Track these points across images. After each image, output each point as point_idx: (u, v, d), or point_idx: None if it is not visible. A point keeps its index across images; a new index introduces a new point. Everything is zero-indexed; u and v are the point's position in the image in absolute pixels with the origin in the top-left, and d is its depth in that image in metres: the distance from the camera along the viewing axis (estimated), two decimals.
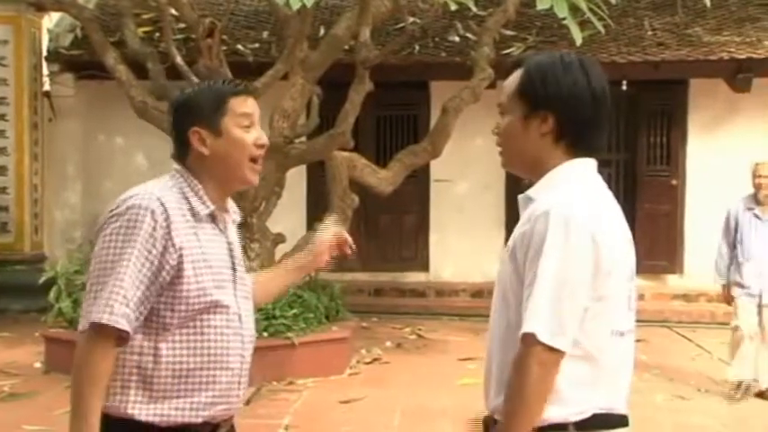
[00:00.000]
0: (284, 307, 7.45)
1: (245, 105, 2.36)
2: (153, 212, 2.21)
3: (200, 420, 2.27)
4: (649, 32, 11.20)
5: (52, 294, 7.68)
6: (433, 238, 11.68)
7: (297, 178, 10.12)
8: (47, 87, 11.15)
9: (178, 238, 2.22)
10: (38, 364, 7.57)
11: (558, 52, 2.21)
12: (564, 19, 6.88)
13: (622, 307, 2.07)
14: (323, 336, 7.57)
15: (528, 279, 1.99)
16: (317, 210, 10.07)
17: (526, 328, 1.95)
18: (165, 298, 2.23)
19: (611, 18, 9.14)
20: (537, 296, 1.95)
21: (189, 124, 2.33)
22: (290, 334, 7.22)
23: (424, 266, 11.68)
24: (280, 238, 8.50)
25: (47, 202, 10.96)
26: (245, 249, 7.97)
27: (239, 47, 10.61)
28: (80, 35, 10.51)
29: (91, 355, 2.18)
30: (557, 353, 1.94)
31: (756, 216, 6.81)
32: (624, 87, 10.59)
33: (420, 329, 9.71)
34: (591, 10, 7.36)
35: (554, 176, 2.11)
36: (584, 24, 7.71)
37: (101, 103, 10.93)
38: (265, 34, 11.12)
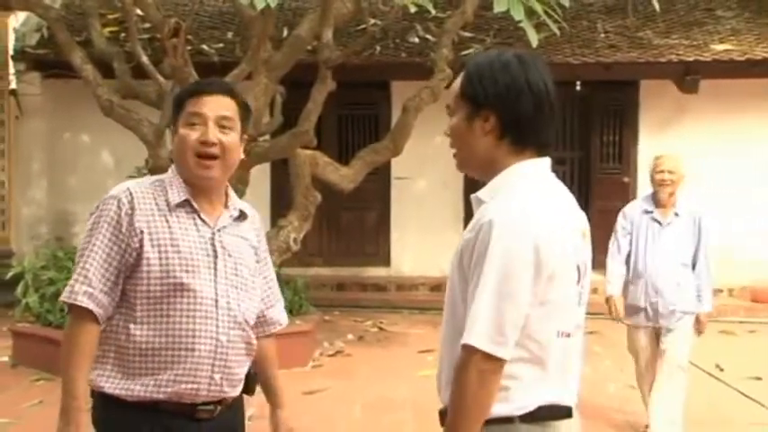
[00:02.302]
0: None
1: (195, 104, 2.44)
2: (119, 200, 2.39)
3: (162, 396, 2.36)
4: (602, 35, 11.40)
5: (19, 289, 7.71)
6: (394, 233, 11.78)
7: (260, 176, 10.18)
8: (13, 86, 11.11)
9: (140, 222, 2.37)
10: (5, 358, 7.60)
11: (498, 51, 2.21)
12: (520, 21, 6.97)
13: (569, 308, 2.09)
14: (286, 329, 7.41)
15: (471, 287, 2.01)
16: (280, 207, 10.16)
17: (466, 339, 1.97)
18: (132, 279, 2.38)
19: (565, 21, 9.21)
20: (477, 306, 1.97)
21: (169, 124, 2.59)
22: None
23: (386, 261, 11.78)
24: None
25: (14, 198, 10.95)
26: None
27: (204, 47, 10.63)
28: (46, 34, 10.49)
29: (67, 331, 2.39)
30: (497, 361, 1.96)
31: (656, 221, 5.53)
32: (578, 88, 10.83)
33: (381, 323, 9.83)
34: (546, 13, 7.45)
35: (503, 179, 2.11)
36: (539, 27, 7.83)
37: (67, 102, 10.92)
38: (230, 35, 11.14)
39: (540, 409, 2.04)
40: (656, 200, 5.57)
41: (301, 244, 8.66)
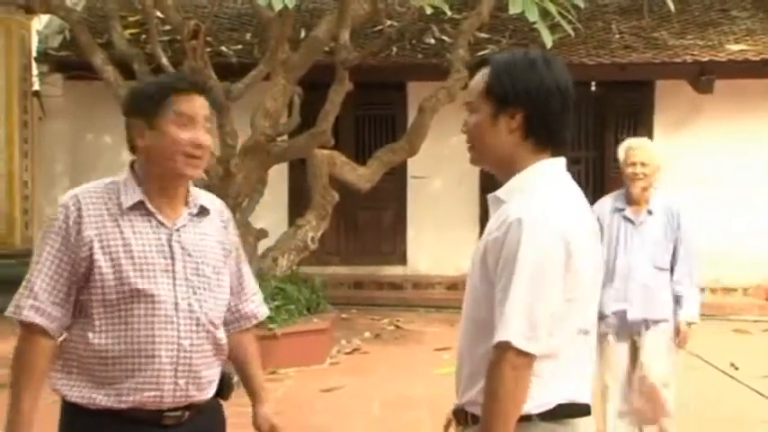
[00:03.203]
0: (267, 299, 7.37)
1: (184, 104, 2.33)
2: (67, 209, 2.29)
3: (123, 407, 2.28)
4: (617, 36, 11.42)
5: None
6: (410, 232, 11.82)
7: (279, 176, 10.26)
8: (36, 87, 11.22)
9: (89, 231, 2.27)
10: None
11: (522, 50, 2.21)
12: (535, 23, 7.06)
13: (588, 305, 2.11)
14: (304, 327, 7.71)
15: (501, 285, 2.01)
16: (298, 206, 10.20)
17: (500, 336, 1.97)
18: (87, 288, 2.29)
19: (580, 22, 9.26)
20: (511, 304, 1.97)
21: (132, 117, 2.36)
22: (272, 325, 7.34)
23: (402, 260, 11.82)
24: (262, 234, 8.66)
25: (36, 198, 11.03)
26: None
27: (223, 48, 10.72)
28: (68, 37, 10.59)
29: (16, 346, 2.32)
30: (529, 356, 1.96)
31: (627, 219, 4.79)
32: (593, 88, 10.89)
33: (398, 321, 9.88)
34: (560, 14, 7.51)
35: (524, 179, 2.11)
36: (554, 28, 7.90)
37: (88, 103, 11.01)
38: (248, 36, 11.23)
39: (559, 406, 2.05)
40: (627, 196, 4.83)
41: (319, 243, 8.76)
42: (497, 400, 1.97)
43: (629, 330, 4.77)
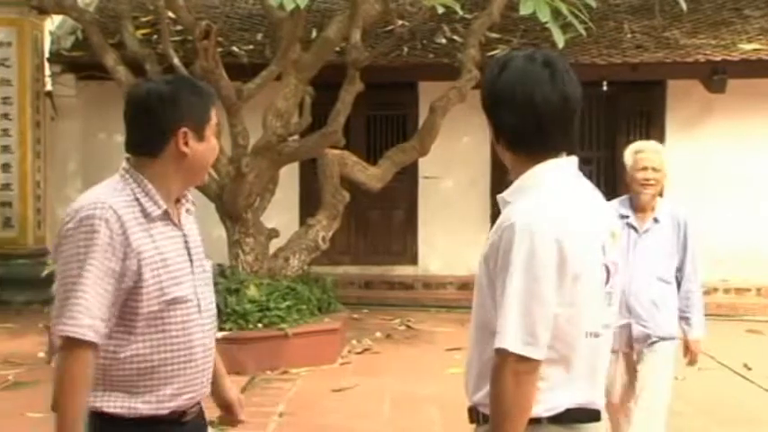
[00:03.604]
0: (278, 299, 7.63)
1: (215, 115, 2.42)
2: (108, 221, 2.22)
3: (166, 412, 2.31)
4: (628, 35, 11.38)
5: (54, 287, 7.85)
6: (421, 232, 11.81)
7: (290, 175, 10.31)
8: (49, 87, 11.28)
9: (135, 242, 2.24)
10: (41, 354, 7.68)
11: (505, 54, 2.21)
12: (546, 23, 7.06)
13: (598, 308, 2.08)
14: (315, 327, 7.73)
15: (498, 289, 2.02)
16: (309, 206, 10.24)
17: (499, 343, 1.97)
18: (128, 301, 2.25)
19: (592, 21, 9.22)
20: (507, 310, 1.97)
21: (177, 123, 2.33)
22: (283, 325, 7.40)
23: (413, 260, 11.81)
24: (273, 233, 8.70)
25: (49, 198, 11.08)
26: (239, 244, 8.30)
27: (234, 48, 10.72)
28: (81, 37, 10.58)
29: (71, 368, 2.19)
30: (531, 362, 1.96)
31: (632, 227, 4.43)
32: (604, 88, 10.84)
33: (409, 321, 9.89)
34: (572, 14, 7.48)
35: (528, 178, 2.10)
36: (565, 27, 7.85)
37: (101, 103, 10.99)
38: (259, 36, 11.24)
39: (568, 411, 2.04)
40: (634, 203, 4.50)
41: (330, 242, 8.77)
42: (502, 406, 1.98)
43: (633, 346, 4.44)
